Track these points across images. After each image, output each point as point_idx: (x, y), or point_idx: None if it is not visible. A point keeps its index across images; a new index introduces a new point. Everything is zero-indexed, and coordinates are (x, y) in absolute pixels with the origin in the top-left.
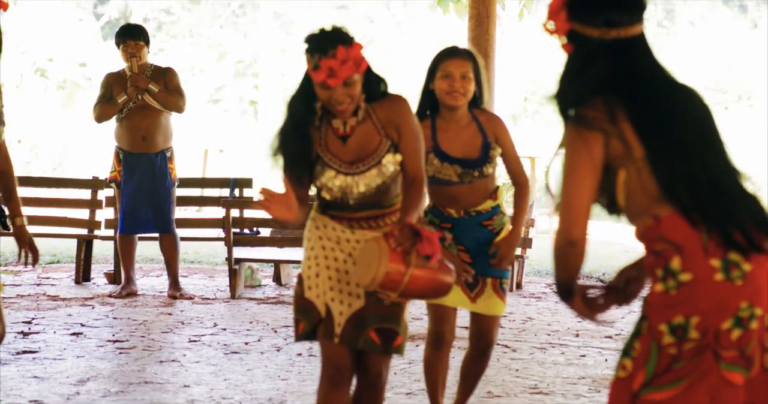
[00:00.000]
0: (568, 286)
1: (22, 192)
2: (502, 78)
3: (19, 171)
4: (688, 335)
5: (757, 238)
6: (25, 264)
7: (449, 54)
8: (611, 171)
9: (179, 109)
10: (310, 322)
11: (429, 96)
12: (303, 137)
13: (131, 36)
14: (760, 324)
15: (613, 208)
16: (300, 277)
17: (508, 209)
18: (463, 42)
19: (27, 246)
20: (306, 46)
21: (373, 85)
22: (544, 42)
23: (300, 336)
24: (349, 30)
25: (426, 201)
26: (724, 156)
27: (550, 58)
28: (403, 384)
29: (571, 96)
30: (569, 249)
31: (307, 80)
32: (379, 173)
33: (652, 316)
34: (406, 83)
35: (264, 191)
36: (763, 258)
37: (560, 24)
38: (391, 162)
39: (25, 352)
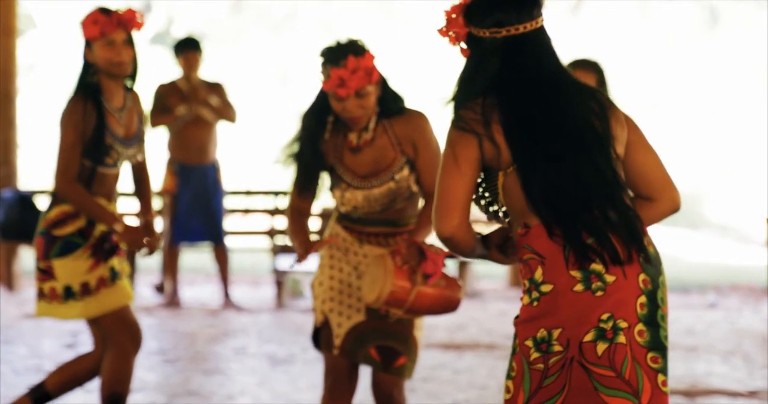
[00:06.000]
0: (474, 256)
1: (47, 206)
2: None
3: None
4: (552, 348)
5: (623, 252)
6: (143, 255)
7: (571, 66)
8: (493, 173)
9: (233, 121)
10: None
11: None
12: (314, 151)
13: (191, 48)
14: (628, 339)
15: (497, 211)
16: (311, 287)
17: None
18: None
19: (152, 237)
20: (321, 59)
21: (390, 101)
22: (589, 46)
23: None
24: (365, 42)
25: None
26: (603, 166)
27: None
28: (447, 394)
29: (463, 98)
30: (447, 243)
31: (321, 93)
32: (391, 190)
33: (520, 332)
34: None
35: (302, 250)
36: (632, 269)
37: (458, 29)
38: (405, 179)
39: None
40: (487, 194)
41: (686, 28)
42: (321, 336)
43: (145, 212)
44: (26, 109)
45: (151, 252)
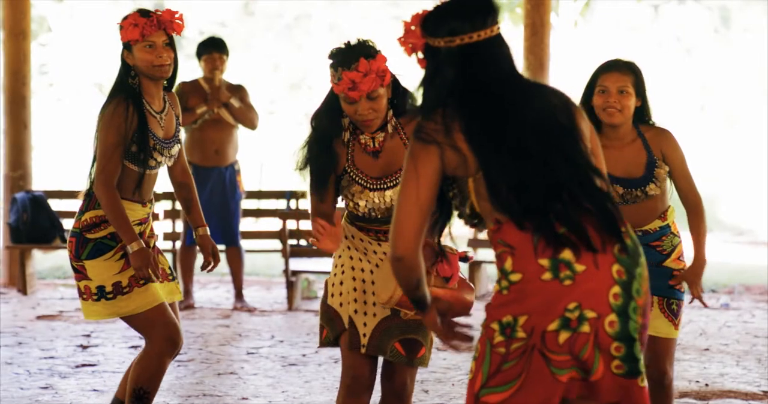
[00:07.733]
0: (414, 298)
1: (80, 206)
2: (556, 86)
3: (77, 185)
4: (516, 334)
5: (597, 240)
6: (208, 270)
7: (607, 68)
8: (462, 179)
9: (253, 126)
10: (333, 330)
11: (589, 113)
12: (328, 152)
13: (216, 48)
14: (594, 328)
15: (472, 216)
16: (326, 284)
17: (683, 232)
18: (518, 50)
19: (210, 255)
20: (331, 61)
21: (401, 99)
22: (599, 50)
23: (323, 343)
24: (376, 43)
25: None
26: (574, 155)
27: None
28: (460, 396)
29: (424, 108)
30: (397, 265)
31: (333, 95)
32: None
33: (487, 316)
34: None
35: (317, 224)
36: (605, 259)
37: (415, 40)
38: None
39: (84, 365)
40: (456, 199)
41: (697, 32)
42: (342, 336)
43: (197, 222)
44: (40, 111)
45: (209, 269)
